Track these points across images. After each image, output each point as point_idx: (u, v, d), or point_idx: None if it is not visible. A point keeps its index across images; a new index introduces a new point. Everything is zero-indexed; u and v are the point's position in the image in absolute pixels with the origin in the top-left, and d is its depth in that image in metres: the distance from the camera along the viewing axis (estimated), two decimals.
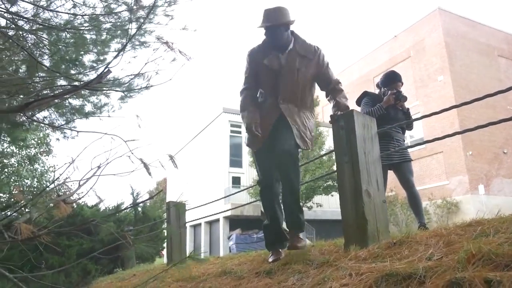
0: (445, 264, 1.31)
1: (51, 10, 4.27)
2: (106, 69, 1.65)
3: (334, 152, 2.68)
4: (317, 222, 21.71)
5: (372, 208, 2.38)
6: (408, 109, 4.12)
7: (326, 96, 3.10)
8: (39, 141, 12.80)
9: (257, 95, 3.03)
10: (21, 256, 5.71)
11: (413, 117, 4.11)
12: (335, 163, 2.62)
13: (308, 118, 3.03)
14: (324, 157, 15.98)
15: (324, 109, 27.21)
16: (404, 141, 4.09)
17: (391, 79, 4.17)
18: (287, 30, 2.94)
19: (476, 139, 21.04)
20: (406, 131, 4.14)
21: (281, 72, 2.92)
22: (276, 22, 2.87)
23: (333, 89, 3.04)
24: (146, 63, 2.00)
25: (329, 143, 17.55)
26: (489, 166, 21.48)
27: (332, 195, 18.26)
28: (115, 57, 1.78)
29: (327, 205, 21.00)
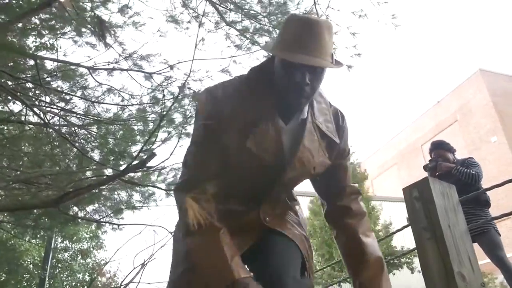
0: None
1: (101, 103, 4.39)
2: (151, 153, 1.51)
3: (409, 227, 2.32)
4: None
5: None
6: (450, 167, 3.89)
7: (330, 218, 1.57)
8: (91, 234, 12.98)
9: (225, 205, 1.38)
10: None
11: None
12: (414, 241, 2.24)
13: (299, 210, 1.60)
14: (380, 233, 15.00)
15: (373, 182, 26.33)
16: (478, 208, 3.62)
17: (430, 152, 4.27)
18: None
19: None
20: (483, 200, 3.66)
21: (281, 169, 1.36)
22: (325, 61, 1.24)
23: (348, 210, 1.50)
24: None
25: (383, 217, 16.61)
26: None
27: (393, 274, 16.85)
28: (161, 143, 1.65)
29: None
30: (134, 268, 1.12)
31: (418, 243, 2.19)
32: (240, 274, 1.15)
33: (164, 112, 4.47)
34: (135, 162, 1.58)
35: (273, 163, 1.35)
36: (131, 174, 5.06)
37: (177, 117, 4.98)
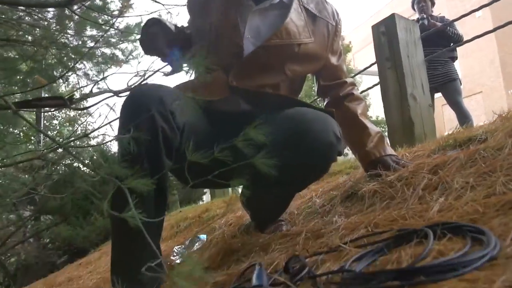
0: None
1: None
2: None
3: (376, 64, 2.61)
4: None
5: (419, 112, 2.32)
6: (442, 24, 3.94)
7: (331, 106, 1.47)
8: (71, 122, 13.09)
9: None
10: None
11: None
12: (378, 72, 2.54)
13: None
14: None
15: (355, 56, 26.37)
16: (450, 61, 3.97)
17: (415, 2, 4.15)
18: None
19: None
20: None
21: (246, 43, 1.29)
22: None
23: (349, 96, 1.47)
24: None
25: (361, 89, 17.11)
26: None
27: None
28: None
29: None
30: (136, 74, 1.22)
31: (381, 72, 2.51)
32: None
33: None
34: None
35: (235, 26, 1.29)
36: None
37: None
